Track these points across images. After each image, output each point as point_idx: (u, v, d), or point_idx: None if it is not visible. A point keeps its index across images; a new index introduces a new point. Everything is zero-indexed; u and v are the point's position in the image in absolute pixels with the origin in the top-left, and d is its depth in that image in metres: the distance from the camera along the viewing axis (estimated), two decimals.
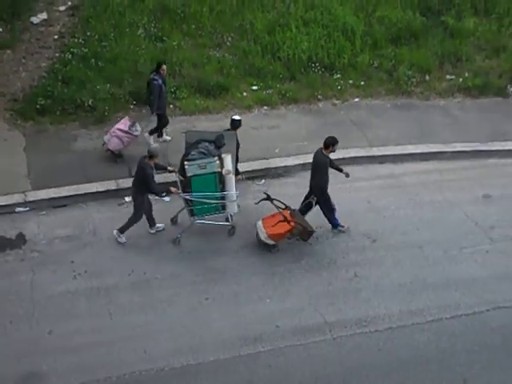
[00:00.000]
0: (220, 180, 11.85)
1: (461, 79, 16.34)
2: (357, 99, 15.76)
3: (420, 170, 13.88)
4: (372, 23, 17.45)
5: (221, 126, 14.01)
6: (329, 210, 12.15)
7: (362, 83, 16.12)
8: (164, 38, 16.67)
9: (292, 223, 11.65)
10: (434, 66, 16.61)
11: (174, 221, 12.47)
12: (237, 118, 12.74)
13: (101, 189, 12.96)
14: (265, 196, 12.06)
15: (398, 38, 17.12)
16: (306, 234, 11.82)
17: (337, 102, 15.63)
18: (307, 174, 13.26)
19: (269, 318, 10.66)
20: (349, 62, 16.45)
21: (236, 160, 12.57)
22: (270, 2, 17.88)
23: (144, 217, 12.01)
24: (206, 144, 11.97)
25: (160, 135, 14.11)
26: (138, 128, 13.38)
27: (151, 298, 10.90)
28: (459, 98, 15.96)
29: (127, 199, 12.82)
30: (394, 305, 10.96)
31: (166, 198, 12.74)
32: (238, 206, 12.20)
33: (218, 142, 12.00)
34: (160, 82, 13.36)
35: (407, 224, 12.56)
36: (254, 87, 15.82)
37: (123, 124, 13.35)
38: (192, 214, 12.03)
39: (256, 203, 12.19)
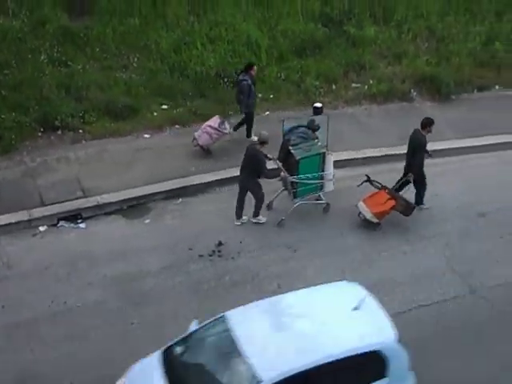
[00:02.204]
0: (323, 160, 12.59)
1: (366, 86, 16.74)
2: (267, 112, 15.89)
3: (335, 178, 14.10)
4: (276, 36, 17.67)
5: (133, 146, 13.89)
6: (424, 188, 13.08)
7: (271, 96, 16.29)
8: (68, 63, 16.36)
9: (397, 200, 12.53)
10: (339, 75, 16.97)
11: (269, 207, 13.15)
12: (318, 105, 13.94)
13: (13, 220, 12.55)
14: (365, 178, 12.97)
15: (303, 50, 17.41)
16: (409, 209, 12.69)
17: None
18: (225, 189, 13.46)
19: None
20: (256, 76, 16.54)
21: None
22: (173, 21, 17.86)
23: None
24: (303, 129, 12.83)
25: (249, 135, 14.59)
26: (227, 126, 14.20)
27: (74, 328, 10.59)
28: (366, 105, 16.34)
29: (41, 229, 12.50)
30: None
31: (82, 225, 12.59)
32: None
33: (312, 126, 12.92)
34: (250, 82, 14.11)
35: (326, 231, 12.72)
36: (164, 106, 15.74)
37: (213, 121, 14.08)
38: (295, 196, 12.73)
39: (358, 185, 12.96)
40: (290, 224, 12.83)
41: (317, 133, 13.02)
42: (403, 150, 14.59)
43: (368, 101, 16.43)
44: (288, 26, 17.93)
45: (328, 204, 13.17)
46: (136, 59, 16.85)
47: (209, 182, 13.73)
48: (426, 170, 13.11)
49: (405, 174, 13.04)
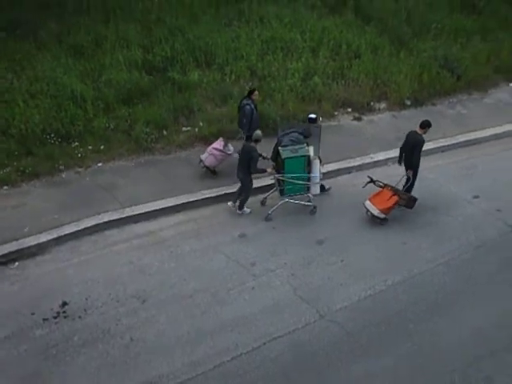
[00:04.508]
0: (308, 163, 13.87)
1: (197, 129, 16.90)
2: (100, 164, 15.58)
3: (175, 223, 14.06)
4: (101, 87, 17.44)
5: None
6: (414, 180, 14.39)
7: (102, 147, 15.99)
8: None
9: (399, 196, 14.00)
10: (169, 120, 16.98)
11: (263, 203, 14.68)
12: (313, 116, 15.05)
13: None
14: (368, 180, 14.35)
15: (130, 99, 17.28)
16: (411, 201, 14.18)
17: (80, 169, 15.32)
18: (64, 249, 13.07)
19: None
20: (84, 128, 16.24)
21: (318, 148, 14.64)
22: None
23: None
24: (296, 134, 14.23)
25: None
26: (231, 148, 15.19)
27: None
28: (199, 148, 16.44)
29: None
30: (176, 360, 10.86)
31: None
32: (323, 188, 14.79)
33: (305, 133, 14.34)
34: (252, 106, 14.92)
35: (173, 277, 12.58)
36: None
37: (218, 144, 15.15)
38: (282, 193, 14.17)
39: (363, 187, 14.28)
40: (134, 275, 12.60)
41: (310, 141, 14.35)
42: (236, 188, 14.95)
43: (201, 143, 16.59)
44: (112, 77, 17.76)
45: (315, 207, 14.39)
46: None
47: (45, 242, 13.15)
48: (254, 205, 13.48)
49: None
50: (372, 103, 19.02)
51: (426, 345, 11.37)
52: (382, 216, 14.03)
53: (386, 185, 14.24)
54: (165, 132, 16.74)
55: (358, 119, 18.40)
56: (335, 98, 18.72)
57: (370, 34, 21.43)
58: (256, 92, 15.19)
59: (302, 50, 20.06)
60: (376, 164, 16.45)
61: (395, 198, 14.02)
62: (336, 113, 18.46)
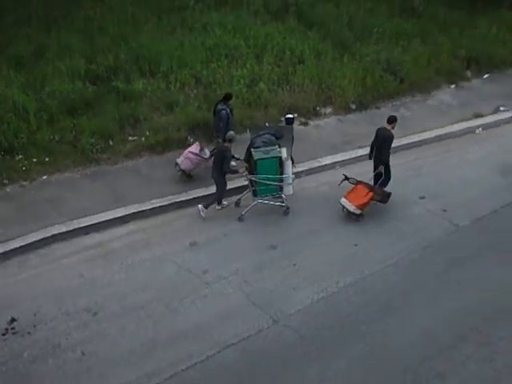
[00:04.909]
0: (280, 164, 14.06)
1: (143, 138, 16.77)
2: (45, 176, 15.32)
3: (125, 233, 13.91)
4: (44, 99, 17.17)
5: None
6: (388, 179, 14.88)
7: (47, 159, 15.73)
8: None
9: (374, 191, 14.39)
10: (115, 130, 16.81)
11: (237, 204, 14.81)
12: (290, 116, 15.63)
13: None
14: (343, 177, 14.62)
15: (74, 109, 17.04)
16: (385, 197, 14.58)
17: (24, 183, 15.04)
18: (11, 264, 12.82)
19: None
20: (28, 140, 15.95)
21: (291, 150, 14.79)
22: None
23: None
24: (268, 135, 14.49)
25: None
26: (207, 152, 15.28)
27: None
28: (146, 157, 16.36)
29: None
30: (129, 372, 10.72)
31: None
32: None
33: (277, 134, 14.57)
34: (228, 110, 15.35)
35: (125, 289, 12.44)
36: None
37: (194, 148, 15.25)
38: (255, 194, 14.38)
39: (339, 184, 14.64)
40: (84, 288, 12.42)
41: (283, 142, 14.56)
42: (192, 195, 14.92)
43: (147, 152, 16.48)
44: (55, 87, 17.49)
45: (288, 207, 14.56)
46: None
47: None
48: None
49: (375, 168, 14.84)
50: (318, 108, 19.18)
51: (378, 346, 11.48)
52: (358, 212, 14.33)
53: (359, 182, 14.52)
54: (111, 142, 16.56)
55: (305, 124, 18.53)
56: (281, 104, 18.80)
57: (313, 39, 21.63)
58: (232, 97, 15.83)
59: (247, 57, 20.10)
60: (324, 168, 16.60)
61: (371, 193, 14.35)
62: (282, 118, 18.53)
